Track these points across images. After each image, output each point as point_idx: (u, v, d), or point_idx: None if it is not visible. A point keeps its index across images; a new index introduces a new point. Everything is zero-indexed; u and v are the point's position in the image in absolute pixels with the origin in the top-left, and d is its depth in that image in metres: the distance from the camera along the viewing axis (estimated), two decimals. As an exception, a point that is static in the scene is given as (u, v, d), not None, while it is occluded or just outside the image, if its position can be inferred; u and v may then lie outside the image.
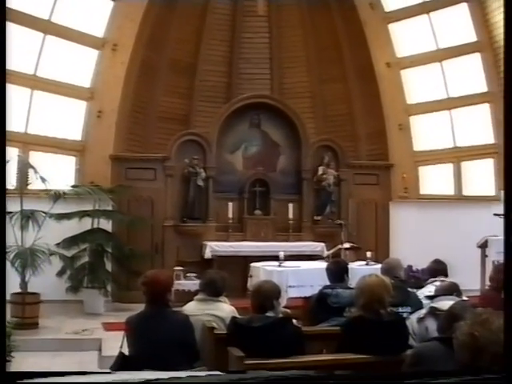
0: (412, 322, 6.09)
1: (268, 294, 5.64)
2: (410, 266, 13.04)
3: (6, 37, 5.32)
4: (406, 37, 16.78)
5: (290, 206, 15.16)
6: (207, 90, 16.69)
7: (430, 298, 6.76)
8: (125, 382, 2.52)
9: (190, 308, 6.39)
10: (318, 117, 17.00)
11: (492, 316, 3.41)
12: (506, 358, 1.92)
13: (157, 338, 5.47)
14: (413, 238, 15.05)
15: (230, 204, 14.86)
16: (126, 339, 5.68)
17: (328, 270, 7.53)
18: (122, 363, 5.64)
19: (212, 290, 6.45)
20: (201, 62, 16.60)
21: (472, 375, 2.29)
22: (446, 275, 7.70)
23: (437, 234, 14.97)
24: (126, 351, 5.67)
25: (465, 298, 6.38)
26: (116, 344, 5.87)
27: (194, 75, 16.59)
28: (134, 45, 15.11)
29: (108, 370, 5.50)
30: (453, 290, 6.33)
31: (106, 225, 13.73)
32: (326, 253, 13.57)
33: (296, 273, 11.17)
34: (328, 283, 7.42)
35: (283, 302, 9.70)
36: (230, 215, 14.84)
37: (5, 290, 5.14)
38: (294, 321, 6.12)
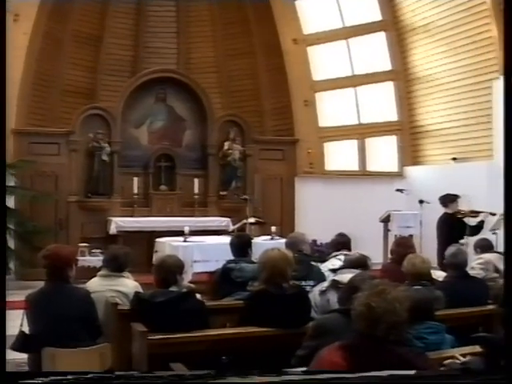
0: (314, 294, 6.18)
1: (171, 269, 5.62)
2: (314, 241, 13.26)
3: (6, 36, 5.15)
4: (313, 14, 16.92)
5: (196, 181, 15.15)
6: (113, 63, 16.43)
7: (334, 271, 6.88)
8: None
9: (94, 284, 6.32)
10: (224, 92, 16.98)
11: (388, 287, 3.52)
12: (506, 358, 1.98)
13: (57, 314, 5.39)
14: (318, 213, 15.24)
15: (136, 179, 14.74)
16: (26, 317, 5.59)
17: (231, 244, 7.54)
18: (23, 342, 5.55)
19: (115, 266, 6.40)
20: (106, 35, 16.30)
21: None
22: (348, 249, 7.81)
23: (341, 209, 15.20)
24: (26, 329, 5.58)
25: (365, 271, 6.49)
26: (18, 323, 5.77)
27: (99, 48, 16.29)
28: (36, 15, 14.69)
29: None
30: (360, 263, 6.42)
31: (8, 201, 13.40)
32: (231, 227, 13.62)
33: (201, 248, 11.22)
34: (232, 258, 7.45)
35: (188, 276, 9.76)
36: (136, 190, 14.72)
37: (5, 288, 5.01)
38: (198, 295, 6.14)
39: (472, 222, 11.23)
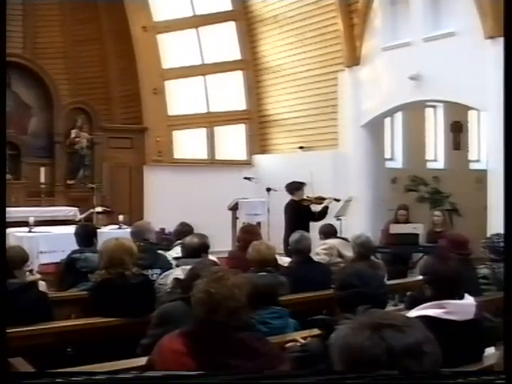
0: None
1: (12, 260, 5.48)
2: (162, 229, 13.22)
3: (5, 35, 4.81)
4: (163, 1, 16.85)
5: (42, 169, 14.80)
6: (-48, 47, 15.73)
7: (177, 259, 6.91)
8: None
9: None
10: (71, 78, 16.66)
11: (227, 273, 3.56)
12: (506, 358, 1.99)
13: None
14: (167, 201, 15.21)
15: (-22, 168, 14.19)
16: None
17: (76, 234, 7.44)
18: None
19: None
20: None
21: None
22: (191, 237, 7.84)
23: (191, 197, 15.22)
24: None
25: (213, 258, 6.53)
26: None
27: None
28: None
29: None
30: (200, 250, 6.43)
31: None
32: (78, 217, 13.41)
33: (47, 238, 10.98)
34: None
35: (35, 267, 9.52)
36: (-22, 180, 14.17)
37: (5, 285, 4.67)
38: (43, 285, 6.02)
39: (318, 207, 11.50)
